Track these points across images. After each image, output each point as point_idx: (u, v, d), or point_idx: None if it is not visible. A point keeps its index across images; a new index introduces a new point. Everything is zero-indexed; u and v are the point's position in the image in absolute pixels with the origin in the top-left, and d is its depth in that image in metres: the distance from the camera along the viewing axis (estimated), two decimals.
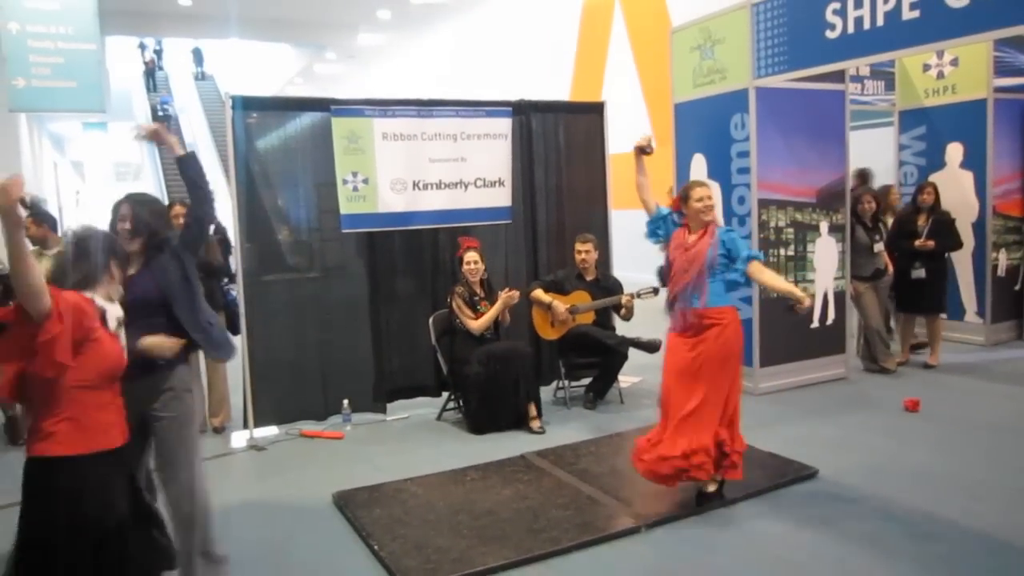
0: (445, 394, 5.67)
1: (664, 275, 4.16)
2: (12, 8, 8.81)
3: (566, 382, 5.85)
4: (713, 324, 3.74)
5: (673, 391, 3.81)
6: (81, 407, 2.32)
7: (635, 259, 10.89)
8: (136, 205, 3.00)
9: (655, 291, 5.84)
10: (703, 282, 3.76)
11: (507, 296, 5.34)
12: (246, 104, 5.26)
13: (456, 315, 5.36)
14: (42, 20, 8.91)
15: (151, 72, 24.73)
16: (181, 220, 5.32)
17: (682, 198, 3.94)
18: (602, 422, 5.38)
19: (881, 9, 4.67)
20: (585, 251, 5.70)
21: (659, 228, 4.06)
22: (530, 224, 6.07)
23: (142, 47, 25.14)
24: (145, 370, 2.80)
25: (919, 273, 6.43)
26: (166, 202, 6.16)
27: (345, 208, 5.36)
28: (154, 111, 22.43)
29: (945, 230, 6.39)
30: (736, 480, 3.89)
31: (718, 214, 6.10)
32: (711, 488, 3.87)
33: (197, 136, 22.34)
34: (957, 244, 6.54)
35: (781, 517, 3.72)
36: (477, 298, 5.39)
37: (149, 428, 2.93)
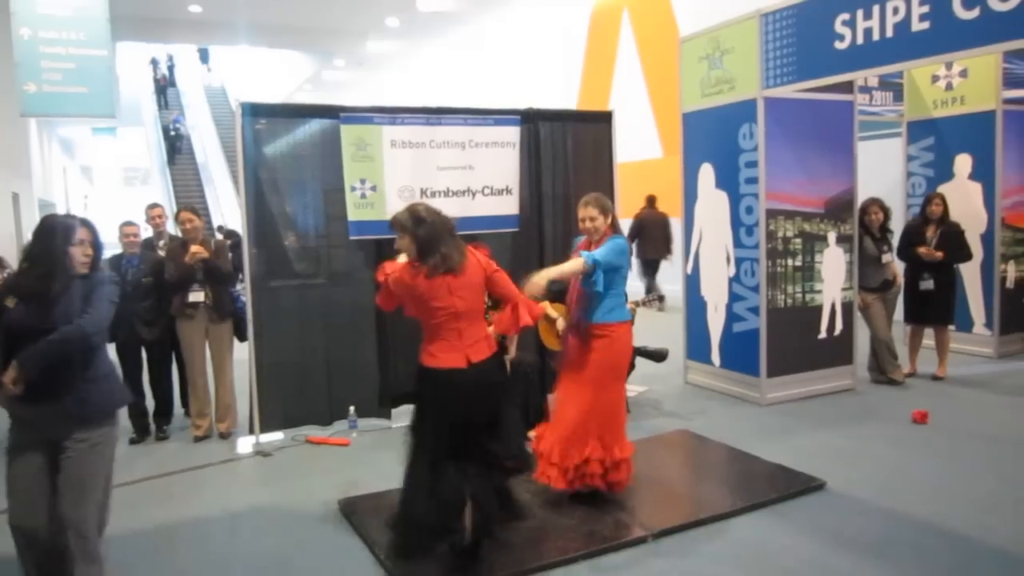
0: None
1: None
2: (24, 14, 8.87)
3: None
4: (601, 336, 3.86)
5: (564, 393, 3.98)
6: None
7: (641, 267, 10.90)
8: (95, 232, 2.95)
9: (660, 299, 5.83)
10: (584, 296, 3.89)
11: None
12: (255, 111, 5.29)
13: None
14: (54, 26, 8.96)
15: (163, 89, 24.31)
16: (187, 226, 5.37)
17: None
18: None
19: (891, 20, 4.67)
20: None
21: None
22: (537, 232, 6.06)
23: (154, 63, 24.81)
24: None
25: (927, 284, 6.42)
26: (174, 208, 6.19)
27: (353, 215, 5.38)
28: (166, 130, 22.05)
29: (954, 241, 6.37)
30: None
31: (726, 224, 6.14)
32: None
33: (208, 151, 22.03)
34: (967, 255, 6.51)
35: (788, 529, 3.70)
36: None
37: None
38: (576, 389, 3.90)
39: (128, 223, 5.68)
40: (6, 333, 2.77)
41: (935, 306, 6.45)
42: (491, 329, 3.61)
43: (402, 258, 3.46)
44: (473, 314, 3.37)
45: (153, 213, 5.94)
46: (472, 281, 3.34)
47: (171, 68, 25.28)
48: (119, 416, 3.03)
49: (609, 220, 4.00)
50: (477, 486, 3.31)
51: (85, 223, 2.91)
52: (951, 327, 6.69)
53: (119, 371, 5.23)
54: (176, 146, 21.89)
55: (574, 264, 3.81)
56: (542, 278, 3.63)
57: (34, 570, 2.87)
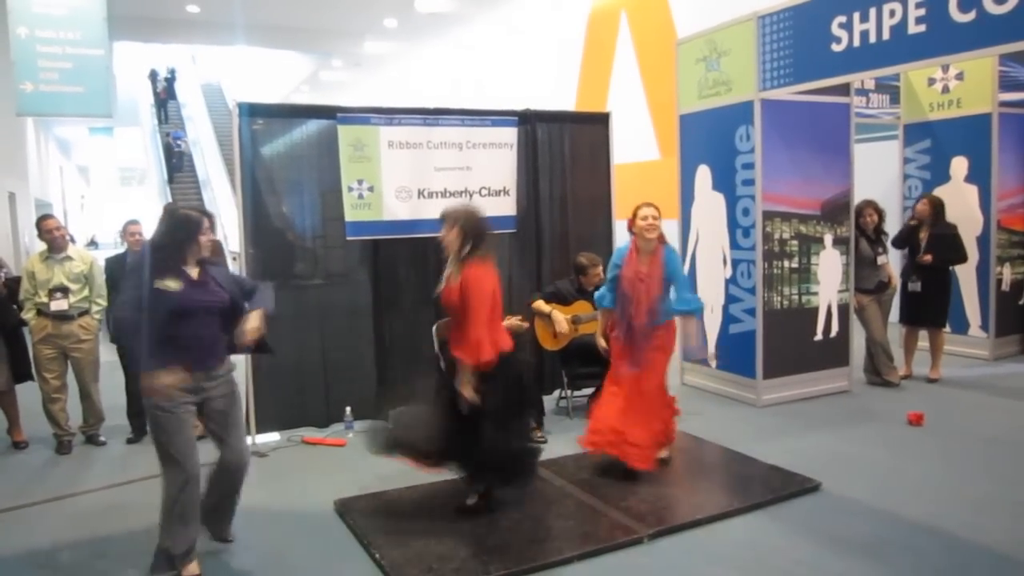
0: None
1: (617, 301, 4.50)
2: (21, 13, 8.85)
3: (568, 392, 5.85)
4: (658, 334, 4.34)
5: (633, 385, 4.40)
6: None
7: None
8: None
9: None
10: (656, 309, 4.30)
11: (516, 325, 5.26)
12: (252, 111, 5.28)
13: None
14: (51, 25, 8.94)
15: (163, 103, 23.38)
16: None
17: (632, 217, 4.36)
18: None
19: (887, 23, 4.68)
20: (596, 273, 5.69)
21: (604, 297, 4.61)
22: (534, 233, 6.07)
23: (153, 75, 24.15)
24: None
25: (915, 286, 6.48)
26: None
27: (350, 215, 5.38)
28: (168, 148, 21.09)
29: (944, 244, 6.39)
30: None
31: (723, 226, 6.16)
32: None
33: (210, 167, 21.07)
34: (959, 258, 6.52)
35: (784, 530, 3.71)
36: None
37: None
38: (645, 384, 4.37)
39: (132, 222, 5.68)
40: (171, 312, 3.20)
41: (928, 309, 6.48)
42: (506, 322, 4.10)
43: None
44: None
45: None
46: None
47: (169, 80, 24.45)
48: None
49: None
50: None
51: (206, 213, 3.46)
52: (946, 330, 6.70)
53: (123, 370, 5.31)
54: (176, 164, 20.99)
55: (693, 319, 4.55)
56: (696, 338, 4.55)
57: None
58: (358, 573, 3.42)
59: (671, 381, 6.59)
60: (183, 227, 3.32)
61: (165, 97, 23.50)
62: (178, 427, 3.26)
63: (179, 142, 21.34)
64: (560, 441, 5.15)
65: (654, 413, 4.38)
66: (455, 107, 5.88)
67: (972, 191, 7.33)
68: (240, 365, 5.27)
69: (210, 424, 3.45)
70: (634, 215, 4.34)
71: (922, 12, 4.46)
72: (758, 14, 5.70)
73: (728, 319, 6.21)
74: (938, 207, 6.48)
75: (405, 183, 5.51)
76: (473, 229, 3.64)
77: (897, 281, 6.59)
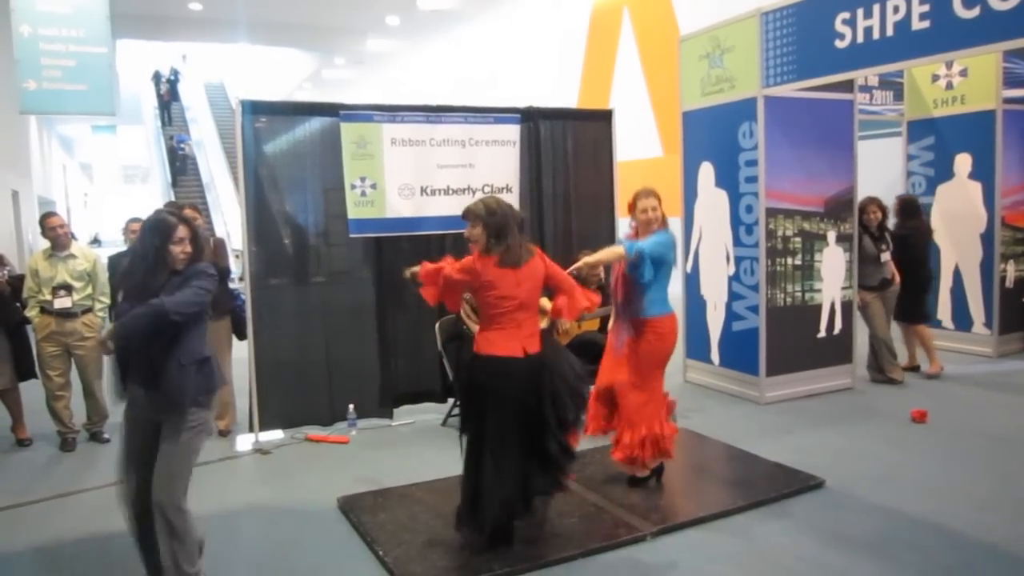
0: (451, 400, 5.66)
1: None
2: (24, 11, 8.87)
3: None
4: (647, 330, 3.97)
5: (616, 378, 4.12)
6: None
7: None
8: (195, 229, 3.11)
9: None
10: (629, 287, 3.99)
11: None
12: (255, 108, 5.29)
13: (464, 322, 5.36)
14: (54, 23, 8.97)
15: (166, 105, 23.13)
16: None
17: (631, 205, 4.11)
18: None
19: (891, 19, 4.66)
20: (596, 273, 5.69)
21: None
22: (537, 231, 6.06)
23: (157, 78, 23.88)
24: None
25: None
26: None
27: (353, 213, 5.38)
28: (172, 151, 20.82)
29: (897, 244, 6.46)
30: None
31: (726, 223, 6.15)
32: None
33: (213, 170, 20.92)
34: (908, 257, 6.53)
35: (787, 527, 3.70)
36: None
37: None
38: (622, 376, 4.06)
39: (135, 219, 5.69)
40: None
41: (905, 305, 6.53)
42: (544, 321, 3.69)
43: None
44: (532, 307, 3.50)
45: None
46: (535, 275, 3.47)
47: (172, 82, 23.87)
48: (214, 401, 3.17)
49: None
50: (538, 486, 3.48)
51: (186, 221, 3.04)
52: (946, 326, 6.68)
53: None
54: (179, 167, 20.58)
55: (613, 250, 3.94)
56: (586, 264, 3.90)
57: (131, 528, 3.12)
58: (362, 571, 3.42)
59: (673, 380, 6.62)
60: (151, 234, 2.98)
61: (168, 99, 23.34)
62: (124, 432, 3.06)
63: (183, 145, 21.19)
64: None
65: (632, 410, 4.06)
66: (457, 104, 5.87)
67: (976, 188, 7.31)
68: (242, 363, 5.30)
69: None
70: (633, 203, 4.10)
71: (926, 8, 4.44)
72: (761, 10, 5.69)
73: (731, 316, 6.21)
74: (904, 207, 6.60)
75: (408, 180, 5.51)
76: (493, 224, 3.38)
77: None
